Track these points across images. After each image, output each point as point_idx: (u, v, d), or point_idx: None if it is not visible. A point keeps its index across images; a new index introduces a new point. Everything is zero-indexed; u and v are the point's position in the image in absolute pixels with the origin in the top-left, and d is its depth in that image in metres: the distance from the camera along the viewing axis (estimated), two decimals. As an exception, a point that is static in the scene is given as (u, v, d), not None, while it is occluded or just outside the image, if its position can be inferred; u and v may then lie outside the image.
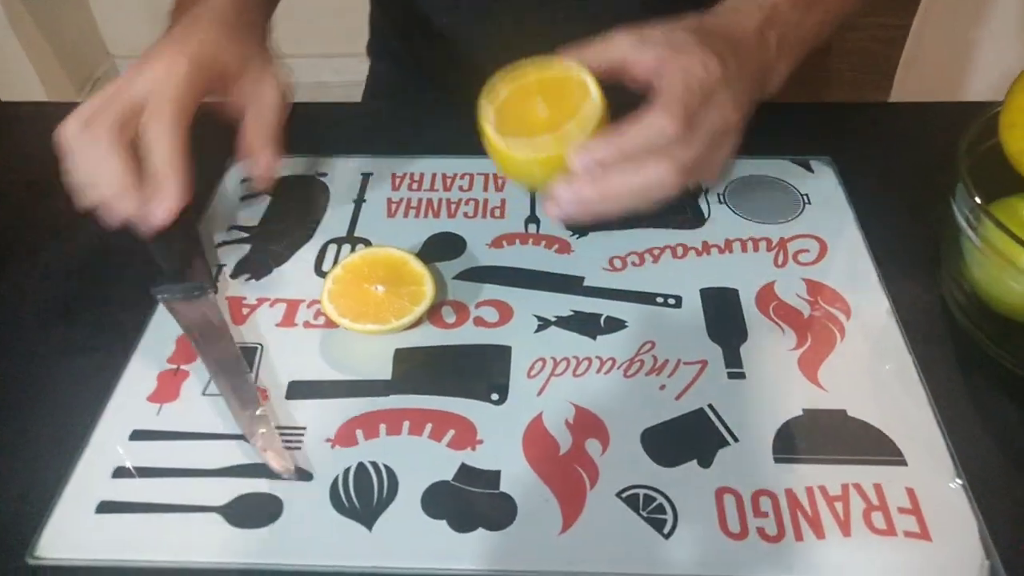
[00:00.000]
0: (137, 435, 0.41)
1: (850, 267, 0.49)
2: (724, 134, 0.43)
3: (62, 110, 0.64)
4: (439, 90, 0.73)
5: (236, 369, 0.43)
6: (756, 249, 0.50)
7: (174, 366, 0.44)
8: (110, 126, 0.43)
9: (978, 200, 0.40)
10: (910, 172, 0.55)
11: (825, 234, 0.51)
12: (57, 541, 0.37)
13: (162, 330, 0.46)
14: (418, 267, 0.46)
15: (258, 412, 0.41)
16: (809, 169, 0.55)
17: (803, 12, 0.48)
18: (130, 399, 0.42)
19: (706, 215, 0.52)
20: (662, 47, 0.42)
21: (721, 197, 0.53)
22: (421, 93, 0.75)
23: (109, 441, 0.40)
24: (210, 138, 0.61)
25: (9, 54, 1.96)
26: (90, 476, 0.39)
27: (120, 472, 0.39)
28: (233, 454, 0.40)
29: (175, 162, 0.44)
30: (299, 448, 0.40)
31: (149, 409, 0.42)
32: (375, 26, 0.80)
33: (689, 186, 0.43)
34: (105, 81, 2.26)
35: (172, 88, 0.44)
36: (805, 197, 0.53)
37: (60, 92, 2.09)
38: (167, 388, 0.43)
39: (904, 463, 0.39)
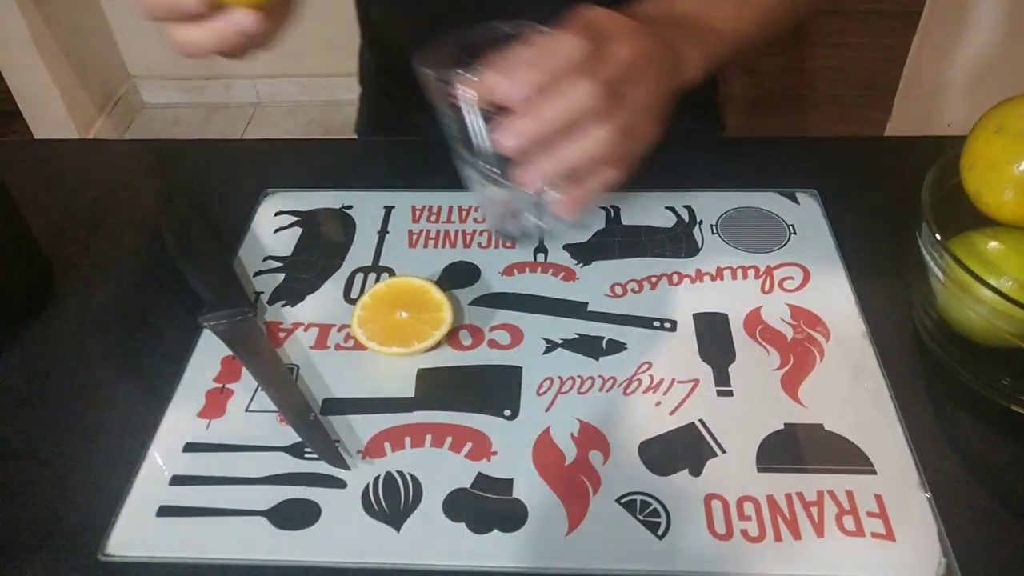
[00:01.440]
0: (189, 447, 0.46)
1: (830, 293, 0.53)
2: (641, 71, 0.44)
3: (111, 147, 0.70)
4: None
5: (285, 381, 0.48)
6: (745, 277, 0.55)
7: (220, 385, 0.49)
8: None
9: (939, 237, 0.44)
10: (888, 204, 0.60)
11: (808, 262, 0.55)
12: (124, 541, 0.42)
13: (208, 352, 0.51)
14: (438, 295, 0.51)
15: (311, 417, 0.46)
16: (795, 201, 0.60)
17: (711, 5, 0.52)
18: (182, 415, 0.47)
19: (699, 245, 0.57)
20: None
21: (714, 228, 0.58)
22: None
23: (165, 453, 0.46)
24: (244, 173, 0.66)
25: (34, 75, 2.03)
26: (150, 484, 0.44)
27: (176, 480, 0.44)
28: (275, 464, 0.45)
29: None
30: (334, 459, 0.45)
31: (199, 424, 0.47)
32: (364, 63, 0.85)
33: (625, 146, 0.45)
34: (126, 101, 2.33)
35: None
36: (791, 228, 0.58)
37: (82, 112, 2.16)
38: (214, 405, 0.48)
39: (874, 472, 0.43)
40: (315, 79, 2.36)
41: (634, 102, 0.45)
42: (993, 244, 0.46)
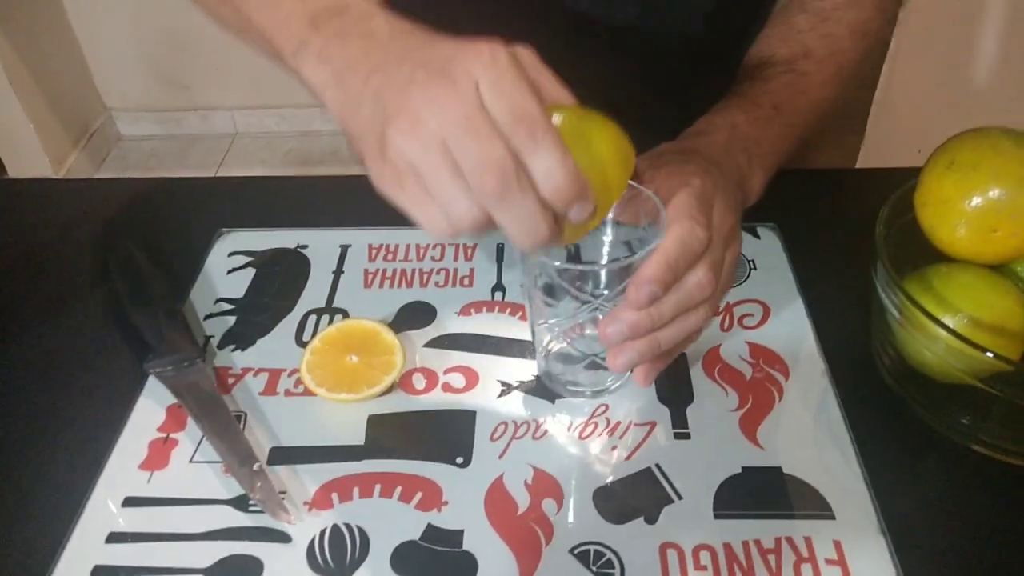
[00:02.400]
0: (129, 502, 0.44)
1: (790, 330, 0.53)
2: (731, 235, 0.45)
3: (65, 186, 0.68)
4: None
5: (231, 431, 0.47)
6: (704, 314, 0.54)
7: (164, 435, 0.48)
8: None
9: (893, 274, 0.44)
10: (848, 238, 0.59)
11: (769, 298, 0.55)
12: (55, 604, 0.40)
13: (153, 400, 0.49)
14: (390, 337, 0.50)
15: (255, 467, 0.45)
16: (756, 235, 0.60)
17: (763, 128, 0.52)
18: (123, 467, 0.46)
19: (659, 282, 0.56)
20: (654, 169, 0.45)
21: (673, 264, 0.57)
22: None
23: (103, 508, 0.44)
24: (199, 212, 0.65)
25: (6, 107, 2.02)
26: (85, 541, 0.42)
27: (113, 537, 0.42)
28: (218, 518, 0.43)
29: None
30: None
31: (140, 477, 0.45)
32: None
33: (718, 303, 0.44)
34: (102, 134, 2.32)
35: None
36: (752, 263, 0.58)
37: (56, 145, 2.14)
38: (157, 456, 0.46)
39: (832, 517, 0.42)
40: (293, 110, 2.36)
41: (727, 270, 0.45)
42: (948, 281, 0.45)
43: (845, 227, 0.60)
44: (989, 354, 0.40)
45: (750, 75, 0.57)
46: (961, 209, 0.45)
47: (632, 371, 0.45)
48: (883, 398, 0.48)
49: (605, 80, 0.68)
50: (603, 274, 0.44)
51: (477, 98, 0.34)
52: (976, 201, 0.44)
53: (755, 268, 0.57)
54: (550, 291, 0.44)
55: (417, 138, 0.35)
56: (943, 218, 0.46)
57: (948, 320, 0.44)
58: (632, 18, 0.66)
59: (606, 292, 0.43)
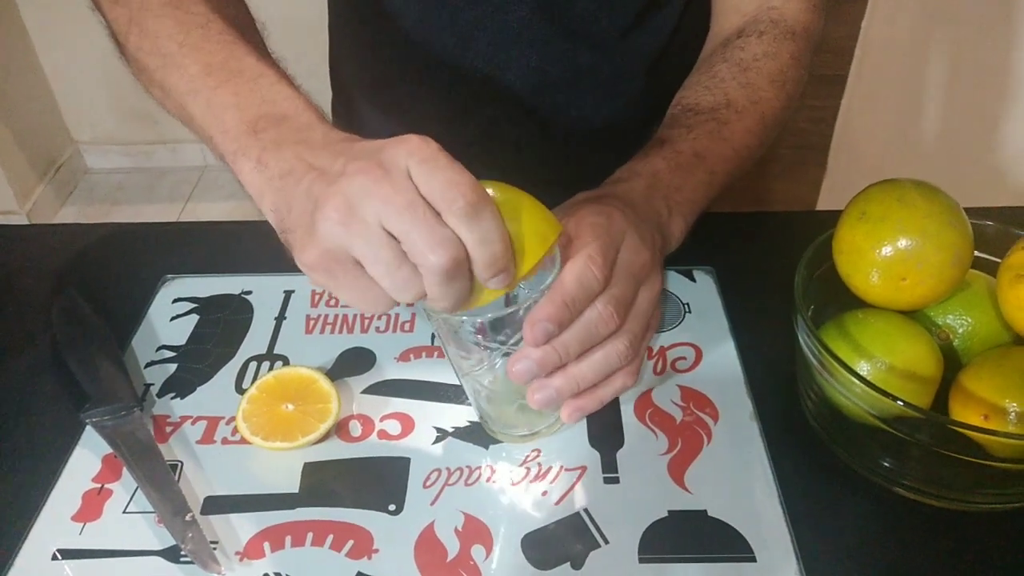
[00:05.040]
0: (59, 555, 0.44)
1: (721, 373, 0.54)
2: (644, 272, 0.46)
3: (9, 232, 0.68)
4: None
5: (165, 480, 0.47)
6: (638, 358, 0.55)
7: (98, 485, 0.48)
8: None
9: (809, 322, 0.45)
10: (781, 282, 0.61)
11: (702, 342, 0.56)
12: (-22, 661, 0.40)
13: (89, 450, 0.50)
14: (325, 385, 0.51)
15: (187, 518, 0.45)
16: (692, 279, 0.61)
17: (684, 176, 0.54)
18: (55, 519, 0.46)
19: (595, 326, 0.57)
20: (568, 215, 0.46)
21: (610, 308, 0.59)
22: None
23: (32, 562, 0.44)
24: (142, 259, 0.66)
25: (-29, 142, 2.01)
26: (12, 597, 0.42)
27: (41, 592, 0.43)
28: (148, 570, 0.43)
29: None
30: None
31: (72, 528, 0.45)
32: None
33: (641, 337, 0.46)
34: (68, 167, 2.31)
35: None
36: (687, 306, 0.59)
37: (22, 178, 2.13)
38: (91, 507, 0.47)
39: (754, 559, 0.43)
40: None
41: (645, 308, 0.46)
42: (862, 327, 0.47)
43: (779, 270, 0.62)
44: (899, 402, 0.42)
45: (675, 121, 0.59)
46: (872, 258, 0.46)
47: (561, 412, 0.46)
48: (808, 441, 0.50)
49: (541, 166, 0.70)
50: (501, 321, 0.45)
51: (411, 183, 0.36)
52: (885, 251, 0.46)
53: (689, 311, 0.59)
54: (459, 342, 0.45)
55: (351, 225, 0.36)
56: (856, 266, 0.48)
57: (863, 365, 0.45)
58: (562, 105, 0.69)
59: (511, 336, 0.44)
